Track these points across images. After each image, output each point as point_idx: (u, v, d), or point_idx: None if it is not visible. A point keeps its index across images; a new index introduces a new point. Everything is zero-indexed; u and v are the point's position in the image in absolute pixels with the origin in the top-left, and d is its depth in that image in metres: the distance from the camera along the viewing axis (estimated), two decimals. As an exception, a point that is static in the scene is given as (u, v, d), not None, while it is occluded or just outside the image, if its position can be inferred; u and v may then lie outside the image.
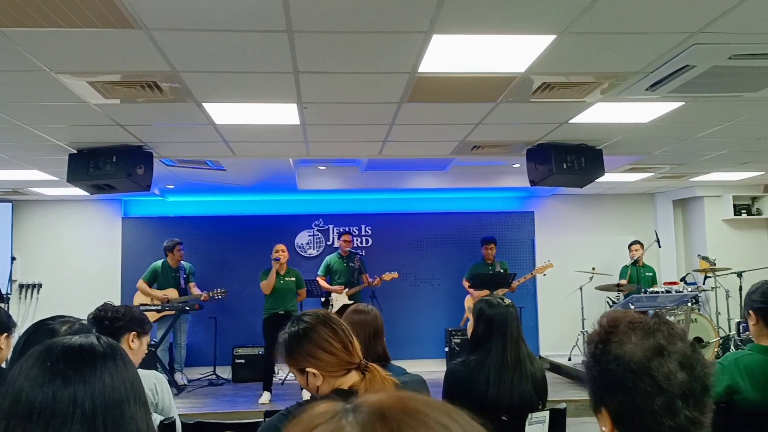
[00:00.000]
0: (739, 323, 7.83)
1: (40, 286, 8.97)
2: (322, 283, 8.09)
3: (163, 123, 4.97)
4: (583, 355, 1.41)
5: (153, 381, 2.83)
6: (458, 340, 8.61)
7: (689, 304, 7.59)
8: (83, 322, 2.40)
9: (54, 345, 1.23)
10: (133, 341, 2.82)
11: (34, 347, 1.25)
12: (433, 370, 7.23)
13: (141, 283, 8.05)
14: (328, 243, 9.31)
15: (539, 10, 2.96)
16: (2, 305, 7.50)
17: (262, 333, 7.24)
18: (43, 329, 2.16)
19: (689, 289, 7.74)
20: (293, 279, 7.41)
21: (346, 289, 7.96)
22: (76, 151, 5.64)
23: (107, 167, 5.49)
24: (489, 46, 3.43)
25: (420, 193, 9.33)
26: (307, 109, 4.60)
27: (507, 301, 3.06)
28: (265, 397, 7.07)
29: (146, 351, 2.98)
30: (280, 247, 7.35)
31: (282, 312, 7.03)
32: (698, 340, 7.44)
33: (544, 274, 8.45)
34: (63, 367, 1.18)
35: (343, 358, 2.01)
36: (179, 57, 3.49)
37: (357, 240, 9.31)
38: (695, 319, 7.60)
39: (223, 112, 4.68)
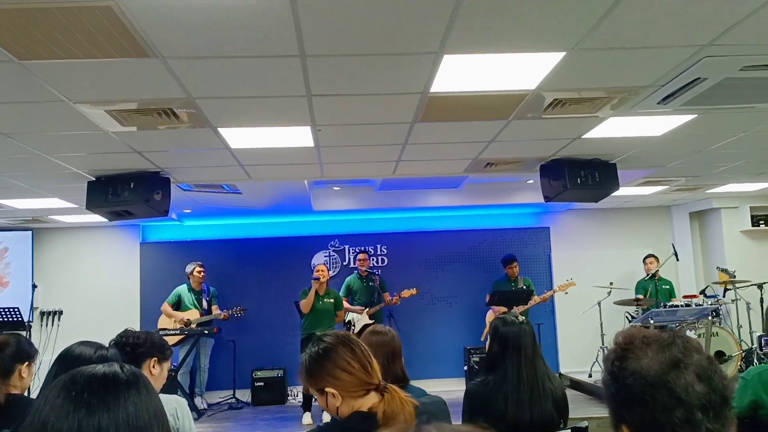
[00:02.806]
0: (761, 337, 7.72)
1: (61, 312, 9.04)
2: (344, 304, 8.07)
3: (179, 149, 5.04)
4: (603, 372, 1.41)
5: (174, 405, 2.84)
6: (477, 359, 8.54)
7: (710, 318, 7.49)
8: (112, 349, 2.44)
9: (78, 374, 1.25)
10: (154, 367, 2.84)
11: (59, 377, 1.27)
12: (452, 389, 7.18)
13: (165, 306, 8.13)
14: (344, 263, 9.31)
15: (548, 27, 2.99)
16: (23, 333, 7.58)
17: (300, 353, 7.21)
18: (73, 354, 2.21)
19: (709, 302, 7.64)
20: (332, 300, 7.38)
21: (367, 309, 7.94)
22: (94, 179, 5.71)
23: (125, 194, 5.56)
24: (500, 65, 3.46)
25: (434, 212, 9.34)
26: (320, 131, 4.64)
27: (521, 318, 3.05)
28: (307, 417, 7.02)
29: (167, 376, 3.00)
30: (321, 266, 7.36)
31: (319, 333, 6.99)
32: (720, 353, 7.34)
33: (566, 293, 8.39)
34: (87, 396, 1.19)
35: (362, 378, 2.02)
36: (195, 84, 3.55)
37: (373, 260, 9.30)
38: (716, 332, 7.50)
39: (238, 137, 4.74)
